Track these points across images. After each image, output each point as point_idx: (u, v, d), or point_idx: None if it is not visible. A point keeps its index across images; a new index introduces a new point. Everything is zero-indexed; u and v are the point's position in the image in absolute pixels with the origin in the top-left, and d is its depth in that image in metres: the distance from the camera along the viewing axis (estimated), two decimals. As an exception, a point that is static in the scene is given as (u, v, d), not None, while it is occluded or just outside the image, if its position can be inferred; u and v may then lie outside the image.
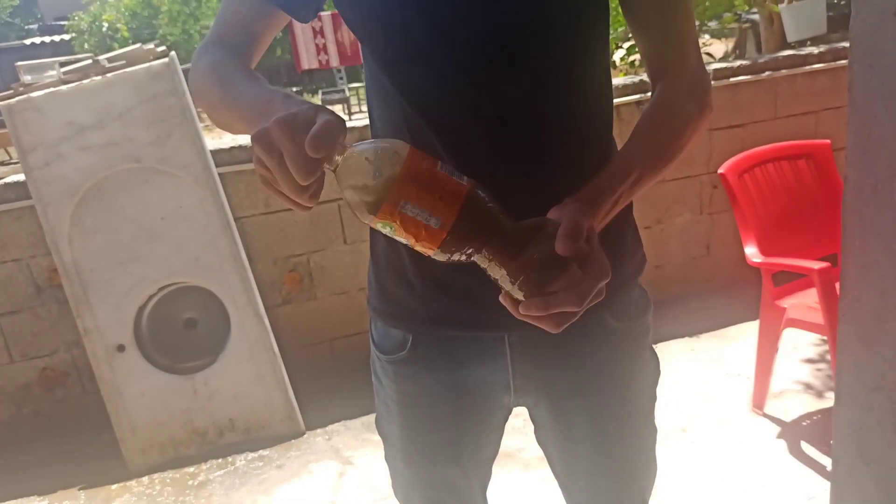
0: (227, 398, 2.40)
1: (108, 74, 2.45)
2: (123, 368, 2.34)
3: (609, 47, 0.84)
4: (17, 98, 2.42)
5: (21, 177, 2.40)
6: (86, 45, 14.33)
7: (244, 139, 2.54)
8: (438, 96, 0.76)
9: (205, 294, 2.41)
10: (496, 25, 0.73)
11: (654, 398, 0.96)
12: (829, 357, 2.44)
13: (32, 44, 17.24)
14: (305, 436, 2.44)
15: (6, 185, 2.42)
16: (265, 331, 2.41)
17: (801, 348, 2.54)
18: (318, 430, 2.45)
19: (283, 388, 2.42)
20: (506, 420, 0.97)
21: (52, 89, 2.45)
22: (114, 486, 2.32)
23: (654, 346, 0.95)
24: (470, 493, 0.99)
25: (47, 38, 17.47)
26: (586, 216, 0.63)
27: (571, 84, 0.77)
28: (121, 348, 2.33)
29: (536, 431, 0.97)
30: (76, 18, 15.30)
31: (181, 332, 2.45)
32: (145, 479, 2.34)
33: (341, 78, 9.35)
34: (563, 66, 0.76)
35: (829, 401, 2.21)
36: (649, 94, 0.87)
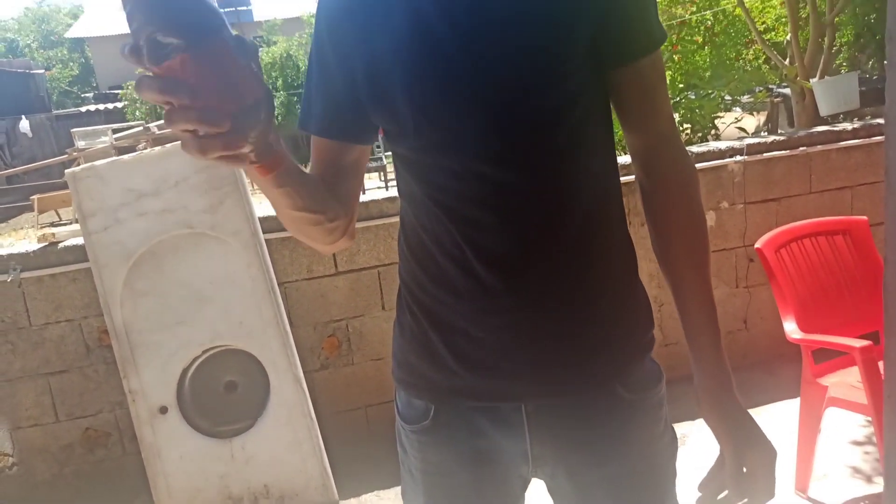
0: (264, 463, 2.42)
1: (168, 145, 2.59)
2: (165, 431, 2.39)
3: (612, 129, 0.90)
4: (81, 166, 2.57)
5: (80, 240, 2.53)
6: (137, 113, 15.10)
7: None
8: (450, 189, 0.83)
9: (246, 357, 2.46)
10: (496, 128, 0.80)
11: (675, 473, 0.97)
12: (876, 439, 2.37)
13: (87, 111, 18.22)
14: (339, 504, 2.43)
15: (65, 248, 2.55)
16: (303, 396, 2.44)
17: (847, 428, 2.47)
18: (352, 500, 2.44)
19: (319, 455, 2.43)
20: (524, 490, 0.99)
21: (114, 158, 2.60)
22: (148, 549, 2.32)
23: (679, 424, 0.97)
24: None
25: (101, 106, 18.45)
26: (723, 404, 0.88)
27: (573, 170, 0.84)
28: (163, 410, 2.38)
29: None
30: (130, 87, 16.15)
31: (221, 394, 2.50)
32: (179, 542, 2.34)
33: (378, 146, 9.68)
34: (563, 159, 0.83)
35: (878, 486, 2.14)
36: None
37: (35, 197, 10.09)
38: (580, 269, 0.85)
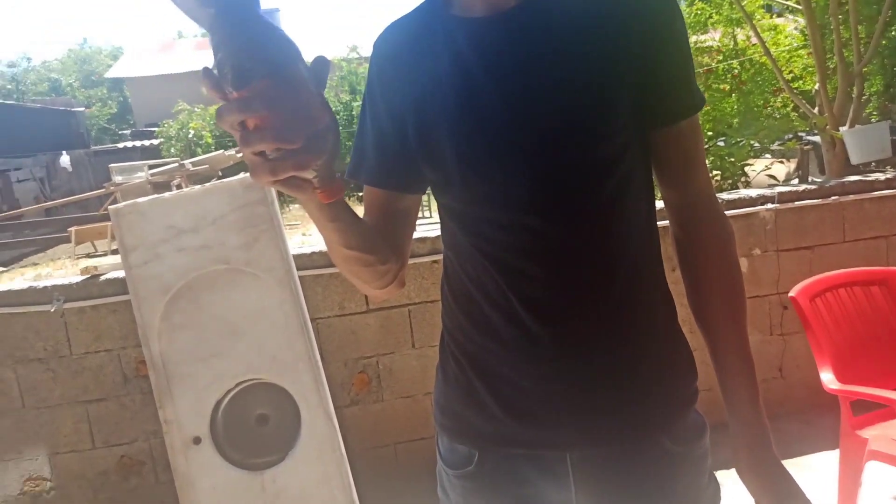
0: (294, 497, 2.42)
1: (207, 184, 2.68)
2: (198, 461, 2.41)
3: (652, 181, 0.91)
4: (124, 203, 2.66)
5: (120, 273, 2.60)
6: (172, 150, 15.51)
7: (322, 244, 2.72)
8: (497, 240, 0.85)
9: (278, 391, 2.49)
10: (542, 181, 0.82)
11: None
12: (917, 494, 2.30)
13: (125, 147, 18.80)
14: (365, 543, 2.41)
15: (107, 281, 2.63)
16: (334, 431, 2.45)
17: (889, 483, 2.39)
18: (379, 538, 2.42)
19: (349, 492, 2.42)
20: None
21: (155, 196, 2.68)
22: (174, 583, 2.32)
23: (716, 473, 0.96)
24: None
25: (138, 143, 19.02)
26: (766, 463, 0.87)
27: (617, 223, 0.85)
28: (197, 440, 2.41)
29: None
30: (166, 125, 16.64)
31: (253, 427, 2.52)
32: (205, 577, 2.33)
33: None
34: (609, 211, 0.84)
35: (920, 542, 2.06)
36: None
37: (73, 228, 10.36)
38: (625, 318, 0.86)
